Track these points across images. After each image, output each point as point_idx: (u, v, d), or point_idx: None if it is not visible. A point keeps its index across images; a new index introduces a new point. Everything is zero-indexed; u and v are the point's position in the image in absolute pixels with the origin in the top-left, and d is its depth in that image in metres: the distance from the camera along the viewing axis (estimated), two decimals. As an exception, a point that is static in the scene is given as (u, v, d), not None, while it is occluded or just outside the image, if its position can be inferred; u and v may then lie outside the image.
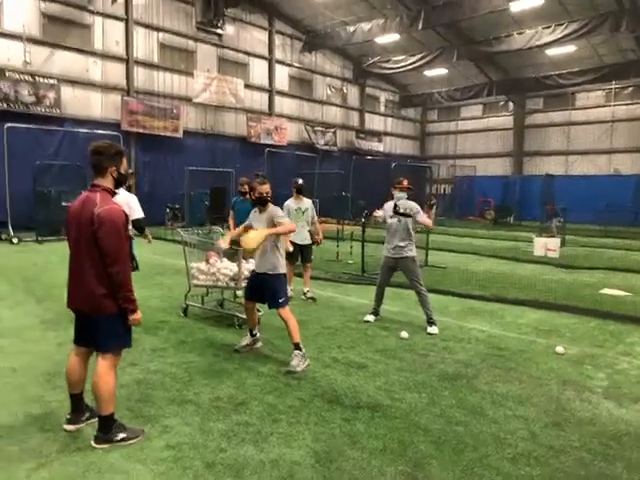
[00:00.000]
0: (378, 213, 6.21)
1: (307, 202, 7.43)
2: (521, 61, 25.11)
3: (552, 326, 6.28)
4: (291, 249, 6.89)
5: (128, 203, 5.38)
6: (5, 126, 14.07)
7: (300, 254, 7.37)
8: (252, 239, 4.55)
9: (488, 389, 4.23)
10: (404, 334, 5.62)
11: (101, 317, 3.11)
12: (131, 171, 6.16)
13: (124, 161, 3.30)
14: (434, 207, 22.80)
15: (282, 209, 6.58)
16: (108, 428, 3.12)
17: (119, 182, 3.28)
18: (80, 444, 3.15)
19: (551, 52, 22.96)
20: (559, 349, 5.21)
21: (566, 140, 28.07)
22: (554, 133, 28.47)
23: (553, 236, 14.07)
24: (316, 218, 7.56)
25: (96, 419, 3.35)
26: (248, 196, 6.88)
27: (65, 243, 3.36)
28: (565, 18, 19.76)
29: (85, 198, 3.15)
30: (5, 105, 15.43)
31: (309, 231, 7.41)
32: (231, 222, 7.30)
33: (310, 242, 7.44)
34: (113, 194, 3.22)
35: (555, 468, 3.06)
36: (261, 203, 4.87)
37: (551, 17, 19.79)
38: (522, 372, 4.64)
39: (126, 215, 3.20)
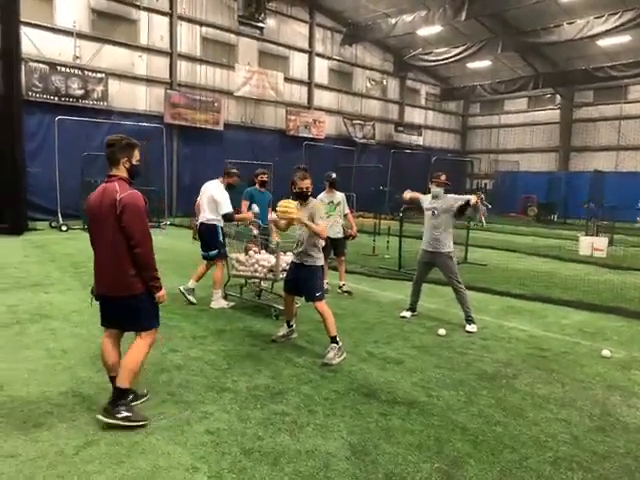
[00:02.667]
0: (407, 195, 6.30)
1: (339, 195, 7.44)
2: (570, 52, 24.15)
3: (598, 328, 6.06)
4: (323, 243, 6.88)
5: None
6: (56, 118, 14.66)
7: (333, 248, 7.33)
8: (290, 207, 4.60)
9: (529, 390, 4.12)
10: (442, 331, 5.55)
11: (134, 297, 3.26)
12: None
13: (136, 153, 3.40)
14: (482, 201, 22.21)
15: None
16: (117, 402, 3.24)
17: (132, 173, 3.39)
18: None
19: (603, 43, 21.99)
20: (605, 352, 5.02)
21: (617, 135, 26.86)
22: (604, 127, 27.30)
23: (597, 235, 13.54)
24: (348, 211, 7.54)
25: (140, 401, 3.50)
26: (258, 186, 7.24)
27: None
28: (619, 7, 18.85)
29: (104, 188, 3.28)
30: (56, 99, 16.08)
31: (342, 225, 7.43)
32: (245, 211, 6.92)
33: (342, 236, 7.43)
34: (129, 183, 3.34)
35: (598, 474, 2.96)
36: (302, 198, 4.87)
37: (604, 6, 18.94)
38: (565, 374, 4.50)
39: (146, 201, 3.32)
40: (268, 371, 4.28)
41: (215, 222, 6.34)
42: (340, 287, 7.38)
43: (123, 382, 3.27)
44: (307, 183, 4.83)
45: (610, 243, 13.20)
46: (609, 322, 6.36)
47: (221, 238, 6.38)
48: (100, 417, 3.21)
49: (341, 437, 3.25)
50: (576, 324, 6.21)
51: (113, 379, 3.39)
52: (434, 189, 6.02)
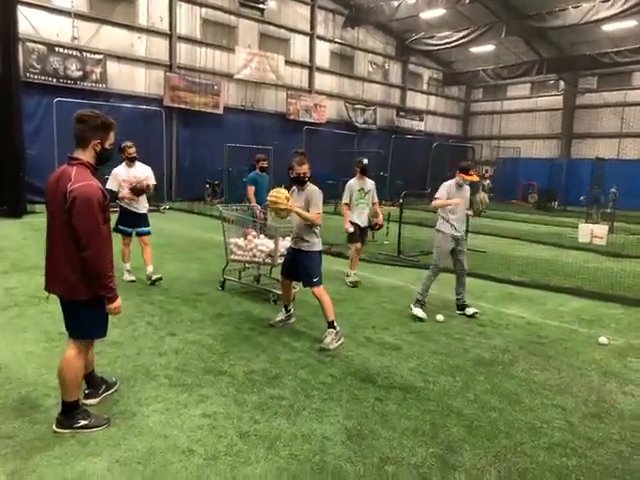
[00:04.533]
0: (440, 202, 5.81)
1: (370, 183, 7.25)
2: (575, 37, 23.80)
3: (595, 316, 6.06)
4: (351, 230, 6.92)
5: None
6: (55, 100, 14.51)
7: (361, 236, 7.19)
8: (280, 199, 4.58)
9: (525, 376, 4.14)
10: (440, 317, 5.56)
11: (74, 303, 2.91)
12: (128, 143, 6.43)
13: (111, 135, 2.95)
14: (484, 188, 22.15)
15: (344, 188, 7.09)
16: (70, 414, 2.97)
17: (102, 158, 2.95)
18: (121, 407, 3.29)
19: (608, 27, 21.66)
20: (602, 339, 5.03)
21: (620, 122, 26.61)
22: (607, 114, 27.02)
23: (597, 222, 13.53)
24: (376, 199, 7.33)
25: (113, 390, 3.47)
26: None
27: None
28: (626, -9, 18.53)
29: (61, 172, 2.86)
30: (55, 80, 15.89)
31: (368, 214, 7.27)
32: (252, 196, 7.74)
33: (367, 225, 7.26)
34: (93, 170, 2.91)
35: (592, 460, 2.98)
36: (299, 183, 4.84)
37: (611, -10, 18.60)
38: (562, 361, 4.52)
39: (104, 194, 2.88)
40: (265, 355, 4.30)
41: None
42: (347, 275, 7.18)
43: (67, 398, 2.97)
44: (305, 168, 4.78)
45: (610, 231, 13.17)
46: (607, 309, 6.37)
47: None
48: (56, 429, 2.95)
49: (337, 421, 3.26)
50: (574, 311, 6.22)
51: (86, 377, 3.22)
52: (461, 180, 5.75)
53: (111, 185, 6.28)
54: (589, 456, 3.02)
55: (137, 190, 6.37)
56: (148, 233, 6.71)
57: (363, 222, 7.13)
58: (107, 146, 2.95)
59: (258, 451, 2.88)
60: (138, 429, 3.05)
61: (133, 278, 6.60)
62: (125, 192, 6.34)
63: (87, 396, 3.32)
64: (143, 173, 6.52)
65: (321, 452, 2.91)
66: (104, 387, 3.44)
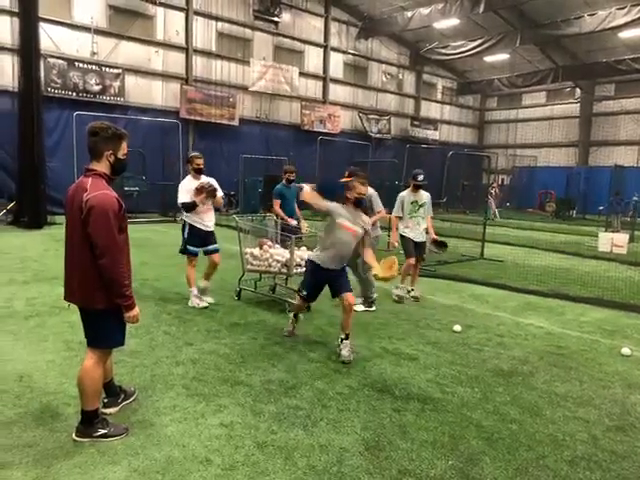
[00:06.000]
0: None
1: (425, 195, 6.84)
2: (591, 45, 23.60)
3: (617, 326, 5.94)
4: (396, 244, 6.76)
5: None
6: (74, 114, 14.84)
7: (418, 251, 6.84)
8: (387, 270, 4.58)
9: (546, 388, 4.06)
10: (457, 327, 5.49)
11: (93, 312, 2.96)
12: (195, 153, 6.08)
13: (123, 145, 3.01)
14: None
15: (396, 200, 6.92)
16: (89, 423, 3.00)
17: (116, 168, 3.01)
18: (139, 417, 3.31)
19: (625, 34, 21.45)
20: (625, 350, 4.92)
21: (638, 129, 26.24)
22: (625, 121, 26.67)
23: (618, 231, 13.31)
24: (431, 213, 6.97)
25: (132, 399, 3.48)
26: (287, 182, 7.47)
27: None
28: (642, -3, 18.37)
29: (78, 183, 2.93)
30: (74, 94, 16.26)
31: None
32: (279, 210, 7.31)
33: (424, 240, 6.90)
34: (108, 180, 2.96)
35: (617, 474, 2.91)
36: (358, 205, 4.58)
37: (626, -3, 18.46)
38: (583, 372, 4.43)
39: (120, 203, 2.90)
40: (282, 365, 4.29)
41: None
42: (408, 292, 6.89)
43: (87, 407, 3.00)
44: (366, 189, 4.64)
45: (631, 240, 12.94)
46: (629, 320, 6.23)
47: None
48: (76, 438, 2.98)
49: (355, 432, 3.24)
50: (595, 321, 6.10)
51: (105, 385, 3.25)
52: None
53: (184, 198, 5.77)
54: (613, 470, 2.95)
55: (208, 192, 5.75)
56: (217, 250, 6.16)
57: (417, 237, 6.78)
58: (120, 156, 2.99)
59: (275, 462, 2.87)
60: (156, 438, 3.06)
61: (206, 304, 5.94)
62: (196, 194, 5.73)
63: (106, 405, 3.34)
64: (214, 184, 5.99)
65: (339, 463, 2.89)
66: (123, 396, 3.45)
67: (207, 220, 6.02)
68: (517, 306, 6.74)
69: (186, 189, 5.80)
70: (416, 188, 6.77)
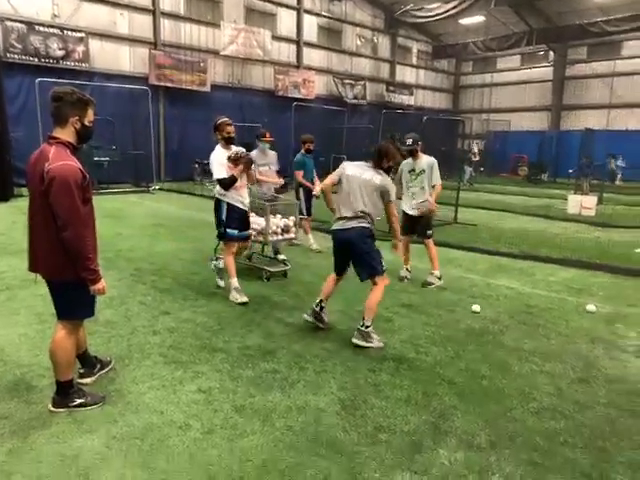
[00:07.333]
0: None
1: (425, 161, 5.96)
2: (564, 7, 23.53)
3: (584, 285, 6.16)
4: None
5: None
6: (37, 80, 14.18)
7: (412, 227, 6.09)
8: None
9: (515, 345, 4.22)
10: (476, 307, 5.09)
11: (60, 284, 2.91)
12: (225, 119, 5.14)
13: (90, 112, 2.88)
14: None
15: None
16: (65, 393, 3.00)
17: (83, 136, 2.89)
18: (117, 386, 3.32)
19: (598, -4, 21.42)
20: (590, 307, 5.12)
21: (609, 93, 26.55)
22: (596, 85, 26.91)
23: (587, 194, 13.63)
24: (437, 181, 5.98)
25: (108, 369, 3.49)
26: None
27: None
28: (616, -43, 18.27)
29: (40, 152, 2.82)
30: (36, 60, 15.50)
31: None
32: (302, 180, 7.49)
33: (419, 214, 6.03)
34: (73, 149, 2.84)
35: (580, 423, 3.07)
36: (388, 171, 4.30)
37: (600, -44, 18.32)
38: (551, 329, 4.60)
39: (83, 174, 2.78)
40: (259, 331, 4.33)
41: None
42: (431, 273, 6.06)
43: (61, 377, 2.99)
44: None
45: (599, 202, 13.26)
46: (595, 278, 6.46)
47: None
48: (52, 408, 2.97)
49: (331, 393, 3.32)
50: (563, 281, 6.31)
51: (79, 356, 3.25)
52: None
53: (221, 174, 4.93)
54: (577, 419, 3.11)
55: (246, 162, 4.98)
56: (250, 236, 5.52)
57: (412, 210, 6.05)
58: (87, 123, 2.88)
59: (254, 424, 2.93)
60: (134, 406, 3.08)
61: (245, 299, 5.05)
62: (233, 166, 4.96)
63: (82, 375, 3.34)
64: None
65: (316, 423, 2.97)
66: (99, 366, 3.45)
67: (244, 197, 5.22)
68: (489, 268, 6.91)
69: (220, 162, 4.96)
70: (411, 154, 6.03)
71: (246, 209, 5.25)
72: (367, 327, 4.10)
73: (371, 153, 4.39)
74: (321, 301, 4.43)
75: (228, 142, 5.07)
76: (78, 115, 2.83)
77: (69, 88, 2.87)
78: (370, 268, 4.19)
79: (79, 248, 2.77)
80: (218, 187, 5.08)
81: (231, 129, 5.08)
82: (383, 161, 4.20)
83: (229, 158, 4.93)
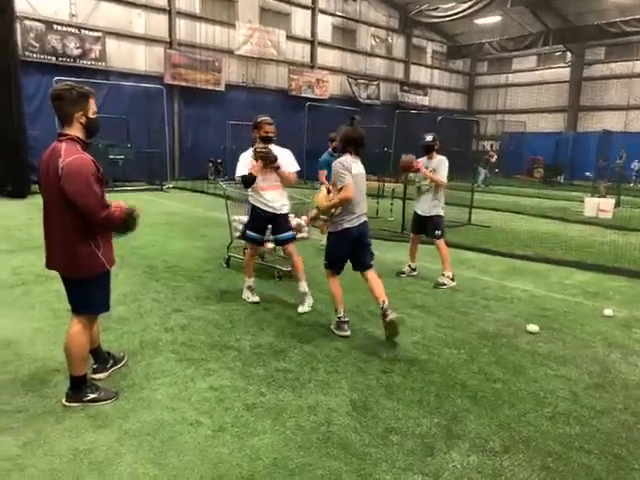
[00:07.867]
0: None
1: (436, 161, 5.92)
2: (582, 7, 23.22)
3: (600, 288, 6.06)
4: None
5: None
6: (54, 79, 14.35)
7: (422, 227, 6.10)
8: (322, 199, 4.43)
9: (529, 348, 4.16)
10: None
11: (75, 279, 2.96)
12: (265, 118, 4.85)
13: (92, 104, 2.90)
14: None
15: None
16: (79, 388, 3.03)
17: (90, 129, 2.92)
18: (129, 381, 3.33)
19: (617, -4, 21.09)
20: (607, 312, 5.03)
21: (627, 94, 26.14)
22: (614, 86, 26.52)
23: (604, 196, 13.44)
24: (444, 179, 5.91)
25: (121, 364, 3.51)
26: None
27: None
28: (636, -44, 17.98)
29: (52, 149, 2.85)
30: (54, 59, 15.71)
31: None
32: (325, 181, 6.86)
33: (433, 214, 5.98)
34: (83, 145, 2.88)
35: (596, 429, 3.01)
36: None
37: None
38: (566, 333, 4.53)
39: (97, 166, 2.85)
40: (271, 330, 4.33)
41: None
42: (443, 274, 5.96)
43: (75, 372, 3.02)
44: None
45: (617, 204, 13.06)
46: (612, 282, 6.35)
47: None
48: (65, 403, 3.01)
49: (342, 393, 3.30)
50: (579, 284, 6.21)
51: (92, 351, 3.27)
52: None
53: (240, 172, 4.74)
54: (593, 425, 3.05)
55: (265, 157, 4.64)
56: (291, 239, 5.03)
57: (423, 210, 6.03)
58: (91, 115, 2.90)
59: (264, 422, 2.93)
60: (147, 402, 3.09)
61: (257, 299, 5.05)
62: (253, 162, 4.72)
63: (95, 371, 3.37)
64: (283, 157, 4.81)
65: (327, 423, 2.95)
66: (112, 362, 3.48)
67: (271, 199, 4.86)
68: (503, 270, 6.83)
69: (245, 161, 4.79)
70: (427, 152, 5.99)
71: (271, 211, 4.89)
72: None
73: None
74: (343, 310, 4.39)
75: (266, 141, 4.77)
76: (81, 110, 2.86)
77: (67, 84, 2.88)
78: (372, 253, 4.52)
79: (111, 227, 2.91)
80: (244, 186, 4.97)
81: (270, 129, 4.78)
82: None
83: (256, 152, 4.69)
